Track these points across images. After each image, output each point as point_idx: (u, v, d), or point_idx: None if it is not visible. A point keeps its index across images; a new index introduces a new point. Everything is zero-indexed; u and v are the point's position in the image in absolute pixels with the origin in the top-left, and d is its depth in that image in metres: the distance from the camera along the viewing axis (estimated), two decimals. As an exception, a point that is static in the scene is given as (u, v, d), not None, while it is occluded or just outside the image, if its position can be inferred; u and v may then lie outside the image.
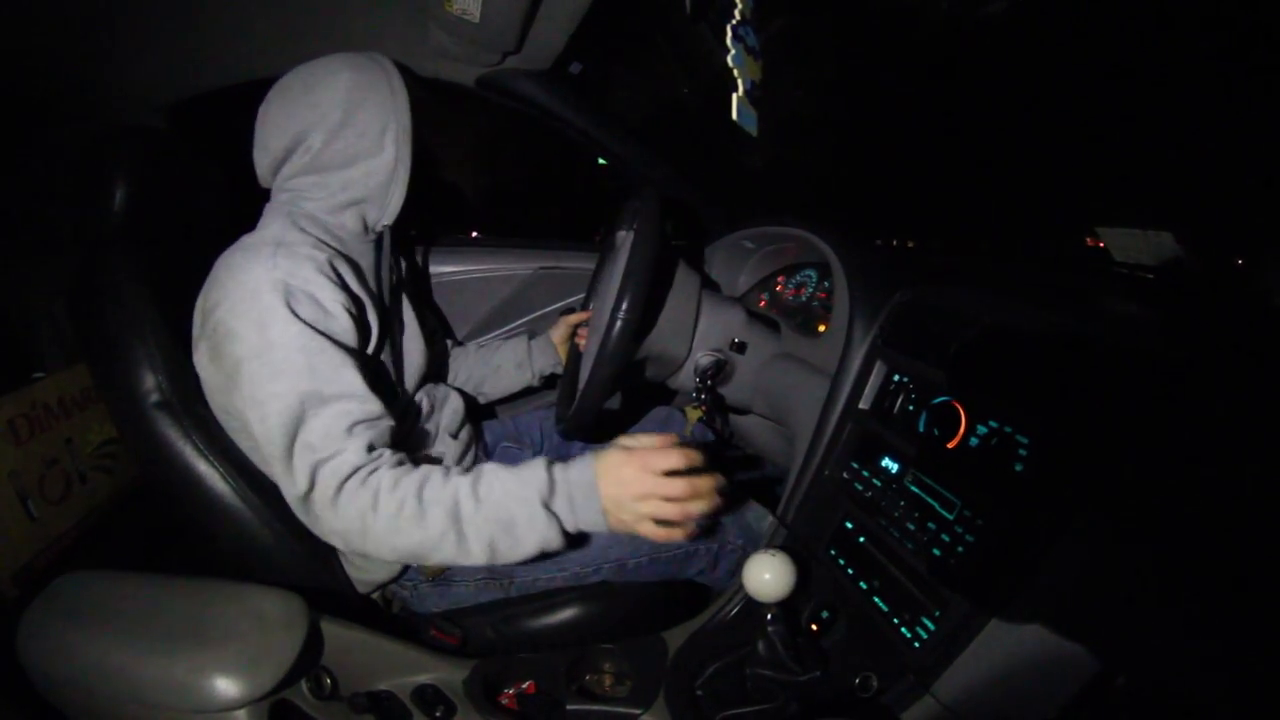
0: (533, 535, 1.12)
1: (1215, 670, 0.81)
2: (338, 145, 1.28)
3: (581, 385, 1.40)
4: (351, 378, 1.18)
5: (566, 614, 1.47)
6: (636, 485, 1.12)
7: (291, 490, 1.14)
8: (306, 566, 1.37)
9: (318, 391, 1.13)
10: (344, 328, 1.23)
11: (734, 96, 1.49)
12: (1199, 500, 0.87)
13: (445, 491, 1.12)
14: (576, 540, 1.22)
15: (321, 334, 1.18)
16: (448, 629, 1.45)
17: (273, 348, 1.12)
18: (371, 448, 1.16)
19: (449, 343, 2.01)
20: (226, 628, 1.06)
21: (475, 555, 1.12)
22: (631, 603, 1.49)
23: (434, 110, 1.45)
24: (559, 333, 1.92)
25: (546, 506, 1.12)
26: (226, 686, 0.99)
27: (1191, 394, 0.92)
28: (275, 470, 1.16)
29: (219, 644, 1.03)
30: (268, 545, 1.33)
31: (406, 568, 1.44)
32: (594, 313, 1.69)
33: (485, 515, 1.12)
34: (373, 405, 1.19)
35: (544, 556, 1.29)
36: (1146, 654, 0.89)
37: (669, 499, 1.12)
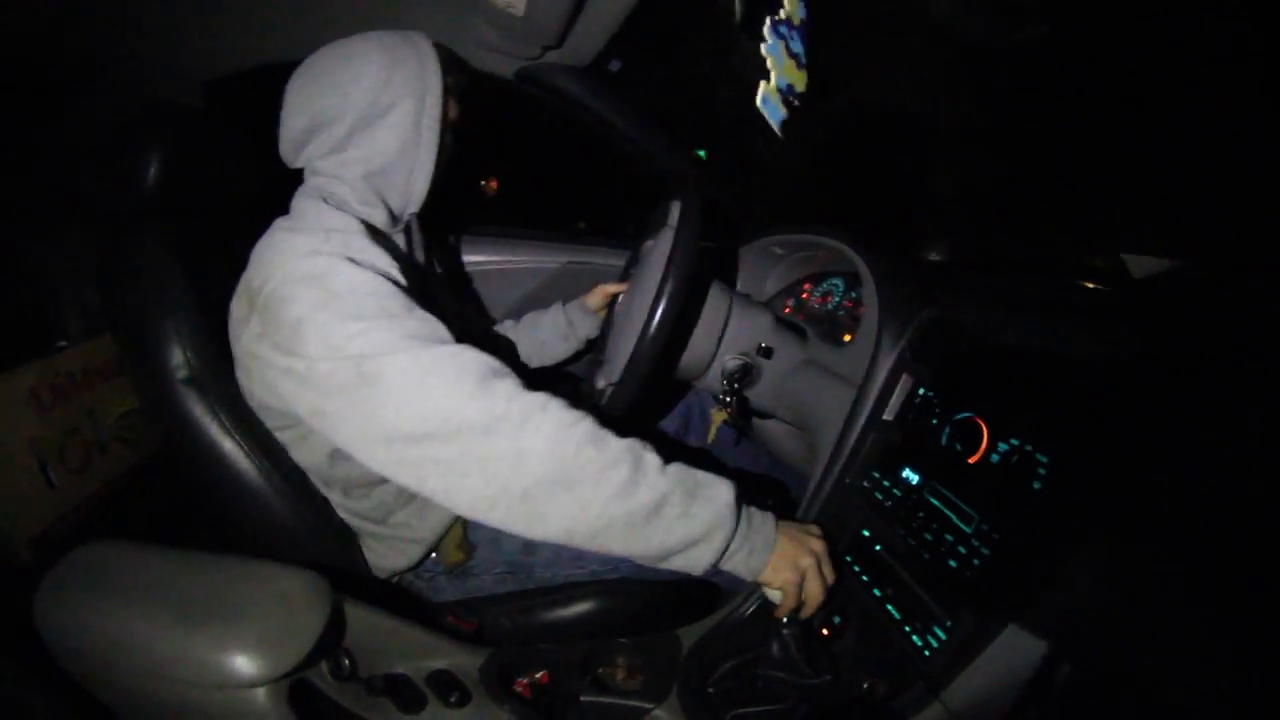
0: (709, 509, 1.07)
1: (1226, 682, 0.83)
2: (358, 128, 1.25)
3: (616, 376, 1.41)
4: (436, 322, 1.11)
5: (583, 607, 1.48)
6: (806, 557, 1.16)
7: (433, 420, 1.00)
8: (328, 548, 1.37)
9: (406, 329, 1.05)
10: (406, 292, 1.14)
11: (762, 84, 1.49)
12: (1212, 521, 0.88)
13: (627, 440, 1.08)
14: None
15: (390, 282, 1.12)
16: (464, 616, 1.46)
17: (338, 297, 1.05)
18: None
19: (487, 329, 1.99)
20: (250, 605, 1.03)
21: (640, 499, 1.02)
22: (647, 599, 1.50)
23: (471, 96, 1.45)
24: (595, 300, 1.91)
25: (736, 502, 1.11)
26: (248, 664, 0.96)
27: (1206, 415, 0.94)
28: (371, 414, 1.01)
29: (242, 621, 1.00)
30: (290, 525, 1.33)
31: (426, 556, 1.43)
32: (628, 305, 1.69)
33: (673, 472, 1.08)
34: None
35: (566, 553, 1.30)
36: (1155, 675, 0.89)
37: (808, 594, 1.16)
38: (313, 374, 1.03)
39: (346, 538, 1.40)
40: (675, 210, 1.50)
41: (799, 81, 1.48)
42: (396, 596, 1.48)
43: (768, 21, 1.46)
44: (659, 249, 1.54)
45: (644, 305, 1.36)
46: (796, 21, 1.47)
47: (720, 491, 1.10)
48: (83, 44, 1.49)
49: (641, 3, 1.49)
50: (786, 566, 1.14)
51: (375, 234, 1.24)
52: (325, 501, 1.37)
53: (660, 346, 1.33)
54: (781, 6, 1.46)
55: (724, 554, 1.09)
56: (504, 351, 1.36)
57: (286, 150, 1.32)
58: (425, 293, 1.23)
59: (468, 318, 1.64)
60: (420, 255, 1.45)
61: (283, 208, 1.28)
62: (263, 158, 1.56)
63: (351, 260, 1.10)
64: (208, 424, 1.29)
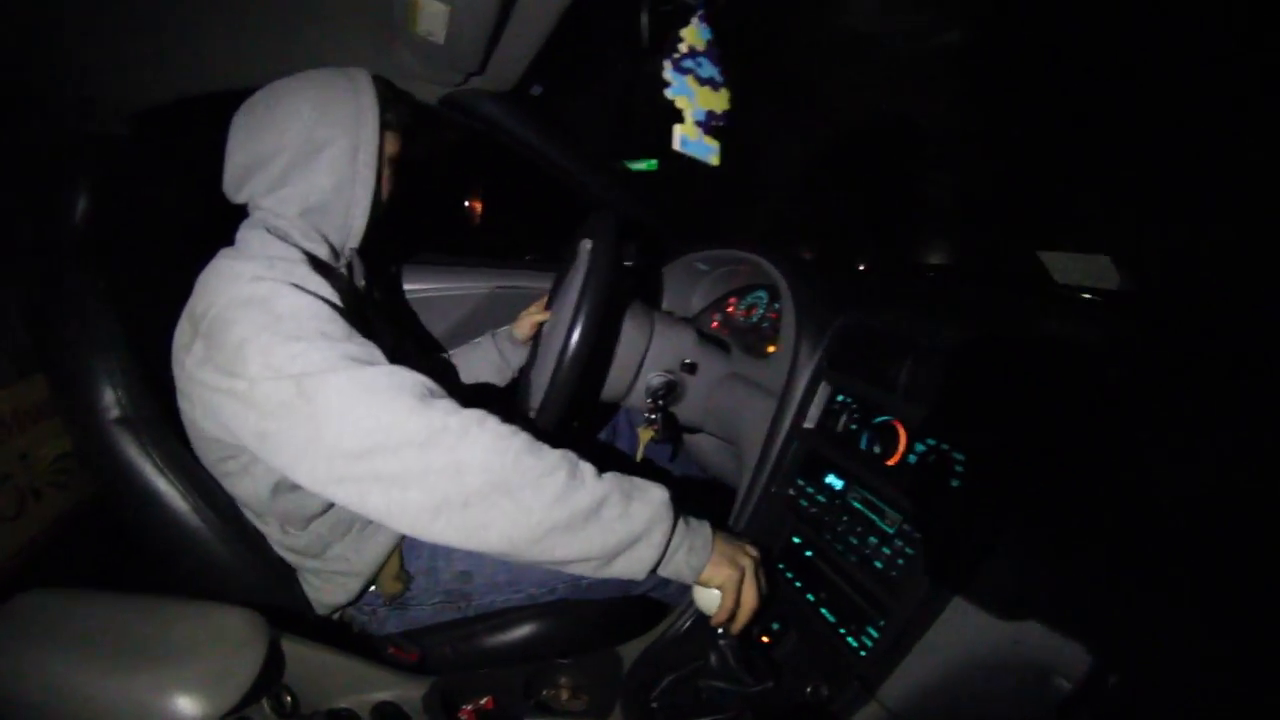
0: (646, 509, 1.09)
1: (1149, 662, 0.86)
2: (294, 166, 1.26)
3: (536, 405, 1.42)
4: (374, 348, 1.12)
5: (523, 631, 1.47)
6: (744, 557, 1.18)
7: (375, 436, 1.01)
8: (266, 585, 1.36)
9: (345, 350, 1.07)
10: (346, 320, 1.16)
11: (675, 128, 1.51)
12: (1124, 509, 0.92)
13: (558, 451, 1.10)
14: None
15: (330, 307, 1.13)
16: (406, 647, 1.45)
17: (280, 319, 1.06)
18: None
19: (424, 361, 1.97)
20: (187, 646, 1.03)
21: (580, 501, 1.04)
22: (586, 619, 1.50)
23: (413, 131, 1.45)
24: (523, 330, 1.90)
25: (671, 502, 1.13)
26: (188, 705, 0.96)
27: (1114, 406, 0.98)
28: (319, 433, 1.02)
29: (180, 662, 1.01)
30: (227, 563, 1.32)
31: (365, 589, 1.42)
32: (549, 331, 1.71)
33: (608, 477, 1.10)
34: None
35: (501, 578, 1.31)
36: (1082, 653, 0.92)
37: (744, 598, 1.17)
38: (254, 394, 1.03)
39: (285, 574, 1.39)
40: (588, 238, 1.52)
41: (718, 103, 1.50)
42: (338, 631, 1.47)
43: (667, 65, 1.48)
44: (575, 276, 1.56)
45: (560, 334, 1.38)
46: (701, 47, 1.48)
47: (655, 493, 1.12)
48: (3, 74, 1.45)
49: (560, 28, 1.50)
50: (726, 563, 1.16)
51: (317, 264, 1.25)
52: (262, 538, 1.36)
53: (577, 375, 1.34)
54: (680, 41, 1.48)
55: (665, 552, 1.10)
56: (441, 378, 1.36)
57: (229, 188, 1.32)
58: (365, 322, 1.25)
59: (406, 351, 1.64)
60: (361, 287, 1.45)
61: (216, 239, 1.27)
62: (193, 188, 1.56)
63: (294, 286, 1.11)
64: (141, 464, 1.28)
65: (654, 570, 1.11)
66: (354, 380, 1.03)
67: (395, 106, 1.37)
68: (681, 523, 1.14)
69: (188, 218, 1.61)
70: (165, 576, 1.35)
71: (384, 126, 1.33)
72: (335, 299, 1.16)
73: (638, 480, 1.13)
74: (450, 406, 1.07)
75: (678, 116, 1.54)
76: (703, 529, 1.17)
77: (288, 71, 1.33)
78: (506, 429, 1.06)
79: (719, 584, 1.16)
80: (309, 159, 1.26)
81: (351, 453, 1.00)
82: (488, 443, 1.03)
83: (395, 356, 1.15)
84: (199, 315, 1.11)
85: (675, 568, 1.13)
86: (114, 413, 1.28)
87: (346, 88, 1.30)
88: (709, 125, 1.56)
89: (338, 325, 1.11)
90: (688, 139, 1.53)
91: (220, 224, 1.34)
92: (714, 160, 1.57)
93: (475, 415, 1.06)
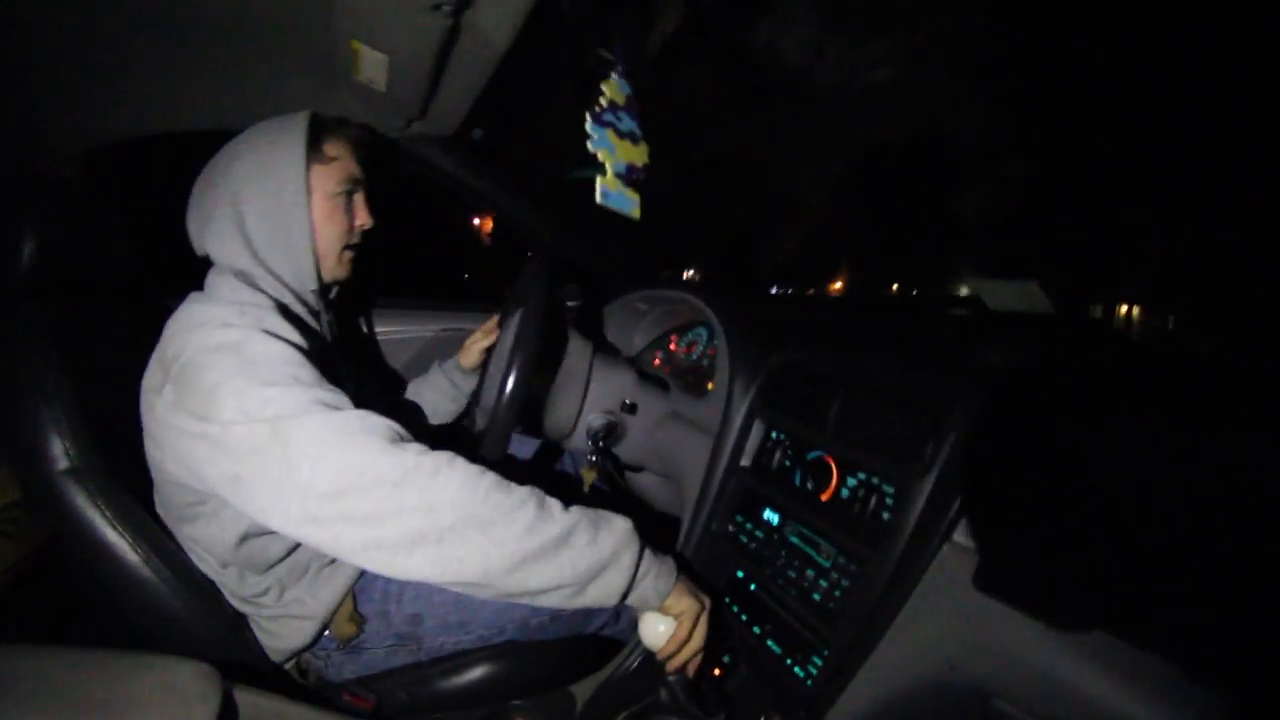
0: (613, 536, 1.13)
1: (1080, 671, 0.89)
2: (234, 217, 1.27)
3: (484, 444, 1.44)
4: (342, 395, 1.15)
5: (477, 673, 1.47)
6: (699, 602, 1.20)
7: (346, 477, 1.03)
8: (218, 636, 1.34)
9: (317, 395, 1.09)
10: (315, 366, 1.18)
11: (597, 179, 1.52)
12: (1052, 529, 0.97)
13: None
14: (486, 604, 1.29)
15: (300, 353, 1.16)
16: (361, 694, 1.45)
17: (253, 365, 1.09)
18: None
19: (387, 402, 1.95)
20: (137, 701, 1.00)
21: (549, 532, 1.07)
22: (539, 660, 1.51)
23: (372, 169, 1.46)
24: (470, 358, 1.92)
25: (635, 531, 1.16)
26: None
27: (1040, 428, 1.03)
28: (289, 475, 1.03)
29: (131, 718, 0.98)
30: (178, 615, 1.30)
31: (320, 634, 1.42)
32: (495, 363, 1.72)
33: (574, 509, 1.13)
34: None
35: (452, 619, 1.33)
36: (1020, 675, 0.96)
37: (697, 631, 1.20)
38: (227, 438, 1.04)
39: (238, 624, 1.38)
40: (522, 281, 1.55)
41: (639, 156, 1.53)
42: (291, 680, 1.47)
43: (588, 119, 1.51)
44: (509, 323, 1.59)
45: (495, 380, 1.40)
46: (621, 101, 1.51)
47: (619, 522, 1.16)
48: None
49: (498, 75, 1.53)
50: (688, 593, 1.19)
51: (284, 310, 1.27)
52: (215, 589, 1.36)
53: (513, 416, 1.36)
54: (601, 94, 1.51)
55: (634, 577, 1.13)
56: (405, 418, 1.37)
57: (195, 242, 1.33)
58: (331, 366, 1.27)
59: (369, 393, 1.66)
60: (327, 332, 1.46)
61: (166, 284, 1.27)
62: (141, 231, 1.55)
63: (265, 332, 1.14)
64: (91, 515, 1.26)
65: (624, 596, 1.13)
66: (327, 424, 1.05)
67: (334, 140, 1.39)
68: (647, 550, 1.16)
69: (136, 262, 1.59)
70: (115, 628, 1.34)
71: (315, 163, 1.35)
72: (304, 344, 1.19)
73: (602, 511, 1.16)
74: (420, 448, 1.08)
75: (600, 169, 1.57)
76: (668, 559, 1.20)
77: (235, 114, 1.36)
78: (475, 468, 1.08)
79: (679, 612, 1.18)
80: (239, 211, 1.28)
81: (325, 494, 1.02)
82: (459, 481, 1.05)
83: (359, 398, 1.17)
84: (170, 359, 1.13)
85: (643, 593, 1.15)
86: (62, 464, 1.25)
87: (270, 134, 1.33)
88: (629, 178, 1.59)
89: (308, 371, 1.14)
90: (608, 191, 1.57)
91: (170, 268, 1.33)
92: (634, 213, 1.60)
93: (445, 456, 1.08)
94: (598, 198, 1.59)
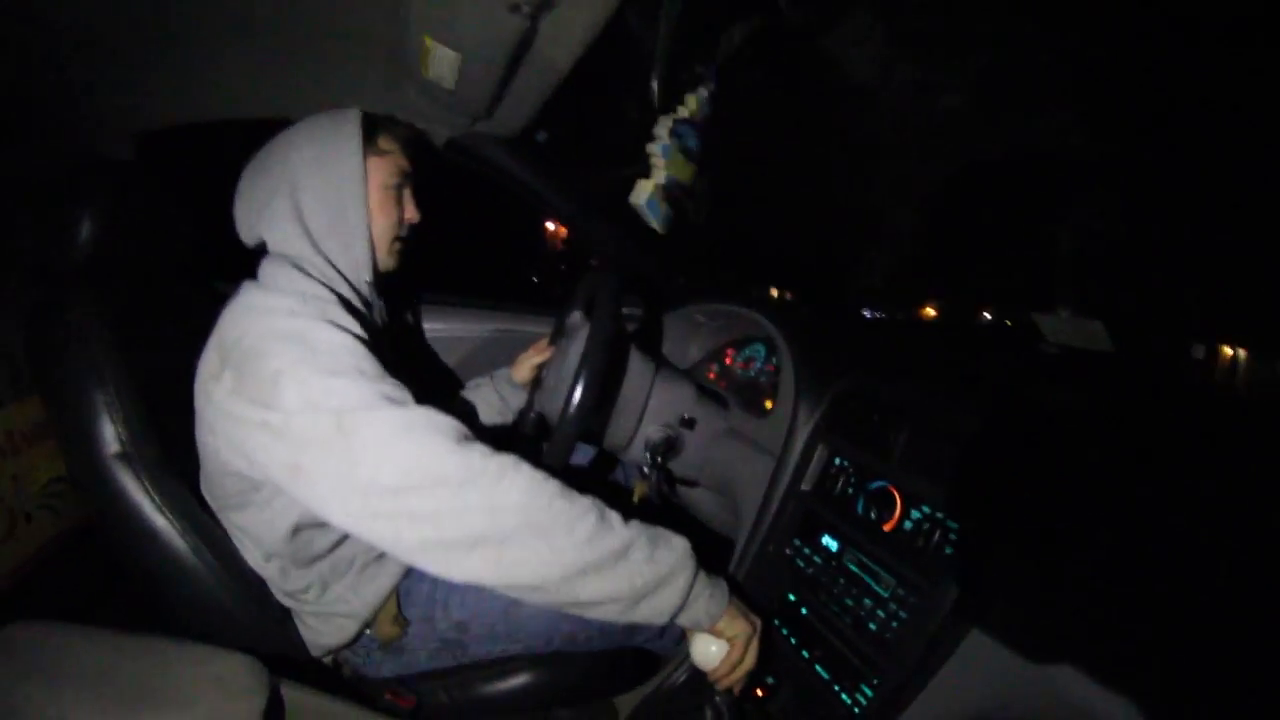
0: (671, 555, 1.12)
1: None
2: (290, 206, 1.28)
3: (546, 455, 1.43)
4: (406, 390, 1.14)
5: (521, 680, 1.48)
6: (750, 625, 1.20)
7: (413, 474, 1.03)
8: (262, 628, 1.34)
9: (381, 389, 1.09)
10: (378, 359, 1.18)
11: (639, 182, 1.50)
12: (1117, 589, 0.95)
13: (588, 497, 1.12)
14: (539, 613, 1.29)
15: (364, 345, 1.15)
16: (403, 693, 1.45)
17: (317, 354, 1.08)
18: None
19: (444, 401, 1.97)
20: (187, 691, 1.01)
21: (609, 544, 1.07)
22: (583, 670, 1.51)
23: (418, 167, 1.47)
24: (522, 374, 1.92)
25: (692, 552, 1.16)
26: None
27: (1110, 482, 1.01)
28: (351, 475, 1.03)
29: (179, 708, 0.98)
30: (224, 605, 1.30)
31: (361, 632, 1.41)
32: (554, 381, 1.72)
33: (635, 523, 1.13)
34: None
35: (500, 629, 1.33)
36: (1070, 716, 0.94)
37: (749, 653, 1.20)
38: (289, 427, 1.04)
39: (281, 617, 1.38)
40: (591, 296, 1.54)
41: (686, 175, 1.53)
42: (333, 675, 1.46)
43: (669, 122, 1.50)
44: (577, 336, 1.59)
45: (562, 392, 1.40)
46: (697, 117, 1.51)
47: (678, 541, 1.15)
48: (8, 93, 1.43)
49: (571, 78, 1.53)
50: (741, 617, 1.18)
51: (344, 302, 1.26)
52: (261, 581, 1.35)
53: (580, 431, 1.35)
54: (682, 104, 1.51)
55: (688, 597, 1.12)
56: (462, 420, 1.36)
57: (241, 234, 1.34)
58: (390, 363, 1.25)
59: (424, 392, 1.66)
60: (378, 320, 1.46)
61: (221, 272, 1.26)
62: (197, 218, 1.56)
63: (330, 322, 1.13)
64: (140, 501, 1.25)
65: (675, 616, 1.13)
66: (392, 419, 1.04)
67: (387, 135, 1.40)
68: (702, 572, 1.16)
69: (192, 247, 1.60)
70: (158, 613, 1.34)
71: (371, 154, 1.36)
72: (365, 337, 1.18)
73: (661, 529, 1.16)
74: (486, 450, 1.08)
75: (646, 171, 1.56)
76: (720, 580, 1.19)
77: (296, 103, 1.38)
78: (540, 474, 1.08)
79: (732, 635, 1.18)
80: (297, 199, 1.28)
81: (388, 489, 1.01)
82: (524, 485, 1.05)
83: (417, 395, 1.16)
84: (229, 345, 1.12)
85: (694, 614, 1.15)
86: (114, 447, 1.25)
87: (329, 125, 1.33)
88: (671, 192, 1.59)
89: (372, 364, 1.13)
90: (647, 197, 1.56)
91: (225, 257, 1.33)
92: (658, 225, 1.60)
93: (510, 459, 1.08)
94: (632, 197, 1.58)
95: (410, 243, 1.47)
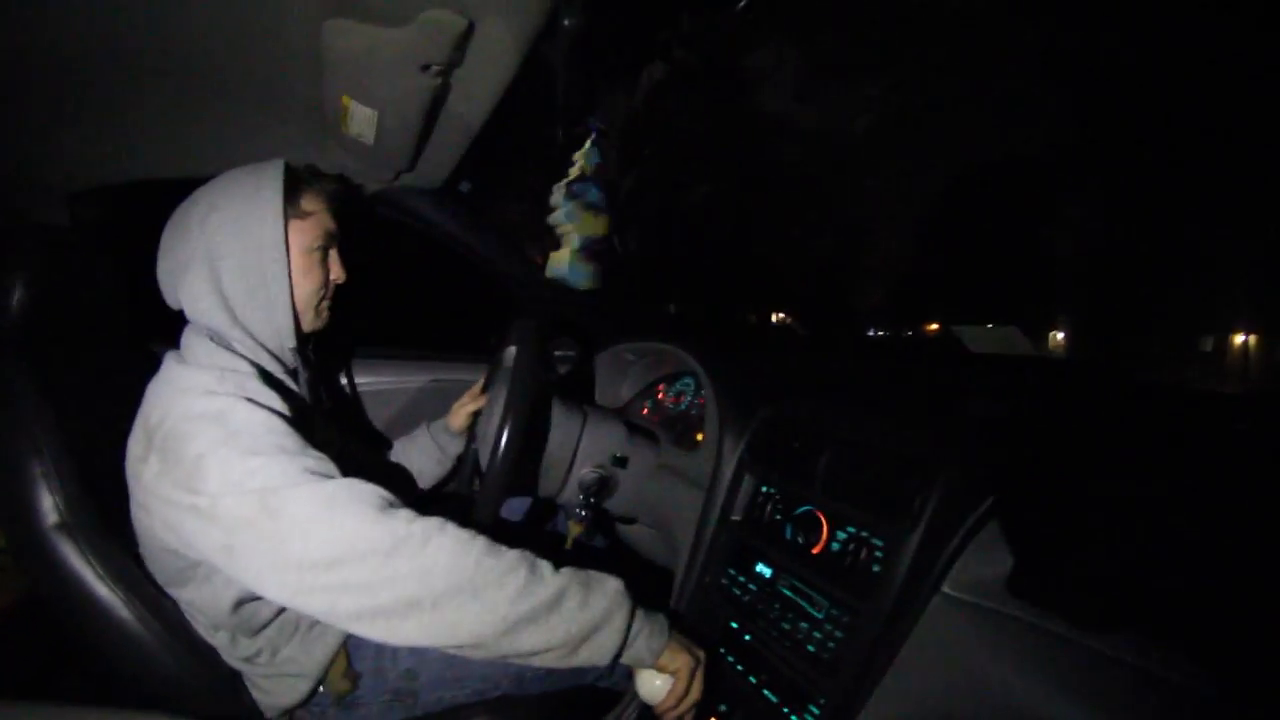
0: (604, 598, 1.13)
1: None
2: (207, 272, 1.25)
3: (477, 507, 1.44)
4: (328, 461, 1.14)
5: (473, 729, 1.47)
6: (693, 658, 1.22)
7: (340, 545, 1.03)
8: (212, 691, 1.33)
9: (303, 464, 1.09)
10: (298, 431, 1.17)
11: (551, 255, 1.53)
12: (1046, 580, 0.98)
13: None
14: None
15: (283, 420, 1.15)
16: (356, 751, 1.44)
17: (237, 434, 1.08)
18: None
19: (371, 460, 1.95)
20: None
21: (541, 595, 1.08)
22: (535, 714, 1.51)
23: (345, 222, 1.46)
24: (458, 421, 1.92)
25: (626, 590, 1.17)
26: None
27: (1029, 478, 1.05)
28: (284, 550, 1.03)
29: None
30: (172, 673, 1.29)
31: (314, 691, 1.40)
32: (485, 427, 1.73)
33: (565, 571, 1.13)
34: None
35: (447, 675, 1.34)
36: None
37: (694, 685, 1.22)
38: (216, 510, 1.04)
39: (231, 681, 1.36)
40: (512, 344, 1.56)
41: (599, 228, 1.57)
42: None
43: (558, 190, 1.54)
44: (500, 382, 1.60)
45: (488, 445, 1.41)
46: (590, 171, 1.54)
47: (610, 583, 1.17)
48: None
49: (485, 130, 1.55)
50: (682, 649, 1.20)
51: (263, 373, 1.26)
52: (210, 647, 1.34)
53: (505, 481, 1.37)
54: (572, 165, 1.55)
55: (627, 637, 1.14)
56: (393, 480, 1.35)
57: (166, 296, 1.32)
58: (312, 427, 1.27)
59: (352, 451, 1.66)
60: (306, 391, 1.45)
61: (156, 333, 1.25)
62: (132, 280, 1.53)
63: (247, 400, 1.13)
64: (82, 571, 1.24)
65: (618, 657, 1.14)
66: (315, 494, 1.05)
67: (310, 193, 1.38)
68: (639, 609, 1.17)
69: (127, 311, 1.59)
70: (105, 684, 1.34)
71: (293, 218, 1.34)
72: (286, 410, 1.19)
73: (593, 572, 1.17)
74: (410, 515, 1.08)
75: (556, 243, 1.59)
76: (659, 616, 1.21)
77: (226, 162, 1.34)
78: (465, 533, 1.09)
79: (675, 668, 1.20)
80: (215, 267, 1.26)
81: (319, 563, 1.02)
82: (450, 546, 1.05)
83: (342, 457, 1.18)
84: (153, 427, 1.12)
85: (636, 652, 1.16)
86: (53, 518, 1.24)
87: (249, 185, 1.30)
88: (589, 250, 1.62)
89: (293, 439, 1.13)
90: (558, 266, 1.59)
91: (160, 317, 1.32)
92: (587, 284, 1.62)
93: (435, 522, 1.09)
94: (548, 272, 1.61)
95: (338, 300, 1.46)
